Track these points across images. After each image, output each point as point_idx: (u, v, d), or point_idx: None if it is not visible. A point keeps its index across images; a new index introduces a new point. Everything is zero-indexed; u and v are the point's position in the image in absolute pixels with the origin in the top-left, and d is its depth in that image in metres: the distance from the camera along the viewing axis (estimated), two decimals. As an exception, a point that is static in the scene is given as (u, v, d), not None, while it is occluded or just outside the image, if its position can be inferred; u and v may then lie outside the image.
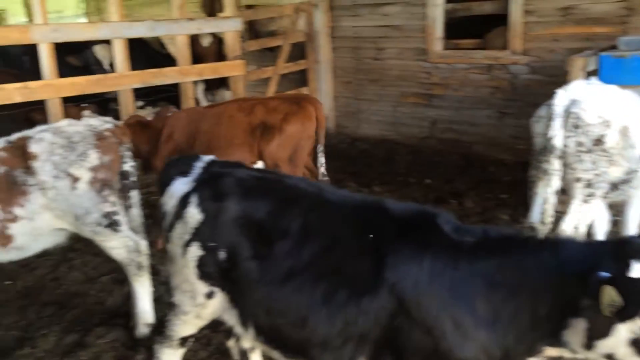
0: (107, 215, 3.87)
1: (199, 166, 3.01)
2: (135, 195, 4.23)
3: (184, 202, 2.80)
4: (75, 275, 5.00)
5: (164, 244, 3.00)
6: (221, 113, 5.32)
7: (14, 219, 3.69)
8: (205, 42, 8.05)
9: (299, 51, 9.59)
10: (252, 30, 10.08)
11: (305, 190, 2.78)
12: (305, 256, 2.55)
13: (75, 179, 3.76)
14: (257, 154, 5.19)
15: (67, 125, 3.97)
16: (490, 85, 7.91)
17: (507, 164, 7.44)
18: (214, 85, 8.81)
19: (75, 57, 7.83)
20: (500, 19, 7.75)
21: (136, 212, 4.25)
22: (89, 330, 4.05)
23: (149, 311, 4.04)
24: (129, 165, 4.11)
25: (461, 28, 8.50)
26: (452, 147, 8.26)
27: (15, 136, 3.90)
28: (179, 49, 7.77)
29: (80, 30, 6.99)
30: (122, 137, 4.10)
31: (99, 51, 7.83)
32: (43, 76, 6.59)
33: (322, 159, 5.50)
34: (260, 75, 9.07)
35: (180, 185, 2.91)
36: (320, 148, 5.48)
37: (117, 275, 4.94)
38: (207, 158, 3.11)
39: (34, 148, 3.78)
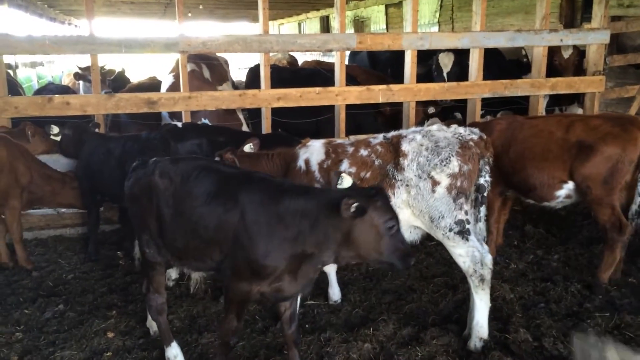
0: (459, 222, 3.92)
1: None
2: (483, 210, 4.20)
3: None
4: (411, 271, 5.25)
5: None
6: (539, 125, 5.15)
7: None
8: (567, 53, 7.55)
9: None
10: (616, 43, 9.09)
11: None
12: None
13: (435, 182, 3.91)
14: (568, 172, 4.83)
15: (436, 129, 4.15)
16: None
17: None
18: (566, 100, 8.25)
19: (420, 64, 8.19)
20: None
21: (482, 226, 4.23)
22: (425, 328, 4.19)
23: (484, 326, 3.97)
24: (484, 180, 4.10)
25: None
26: None
27: (391, 133, 4.26)
28: (535, 60, 7.51)
29: (442, 38, 7.29)
30: (485, 150, 4.09)
31: (442, 59, 8.05)
32: (405, 80, 7.12)
33: None
34: (621, 94, 8.14)
35: None
36: None
37: (449, 280, 5.05)
38: None
39: (405, 147, 4.05)
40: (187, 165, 3.60)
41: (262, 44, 6.53)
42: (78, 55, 6.98)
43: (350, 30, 19.54)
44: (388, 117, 8.00)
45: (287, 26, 28.76)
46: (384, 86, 7.05)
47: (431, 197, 3.93)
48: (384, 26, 17.10)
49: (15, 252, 5.52)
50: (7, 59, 11.03)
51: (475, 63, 7.27)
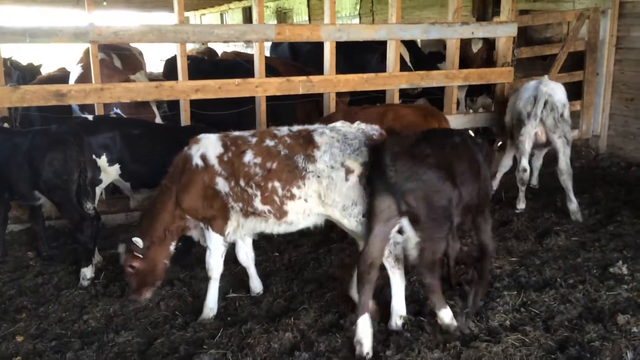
0: (372, 207, 4.04)
1: None
2: None
3: None
4: (332, 259, 5.34)
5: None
6: (365, 115, 5.47)
7: (292, 197, 4.08)
8: (475, 47, 7.92)
9: (574, 61, 8.81)
10: (524, 36, 9.59)
11: None
12: None
13: (349, 171, 3.97)
14: None
15: (340, 126, 4.26)
16: None
17: None
18: (476, 91, 8.63)
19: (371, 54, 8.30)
20: None
21: None
22: (345, 314, 4.26)
23: (402, 303, 4.13)
24: None
25: None
26: None
27: (296, 127, 4.30)
28: (449, 52, 7.77)
29: (360, 30, 7.43)
30: None
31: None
32: (325, 71, 7.18)
33: None
34: (528, 84, 8.57)
35: None
36: None
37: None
38: None
39: (318, 139, 4.11)
40: (442, 135, 4.11)
41: (177, 34, 6.38)
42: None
43: (273, 21, 19.44)
44: (309, 109, 8.04)
45: (209, 17, 28.20)
46: (304, 77, 7.06)
47: (344, 185, 4.00)
48: (307, 18, 17.14)
49: None
50: None
51: (392, 55, 7.43)
